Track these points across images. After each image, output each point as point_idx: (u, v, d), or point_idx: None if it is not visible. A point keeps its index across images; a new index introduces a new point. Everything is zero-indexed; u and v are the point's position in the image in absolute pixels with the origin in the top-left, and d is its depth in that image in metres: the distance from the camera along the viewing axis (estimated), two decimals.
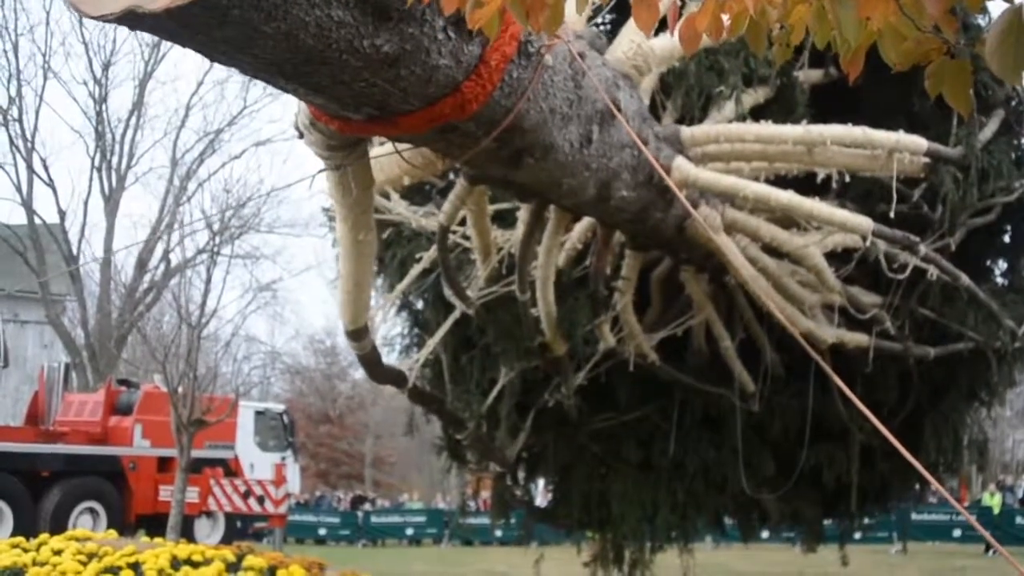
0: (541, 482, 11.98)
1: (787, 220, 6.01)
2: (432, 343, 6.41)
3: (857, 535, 10.91)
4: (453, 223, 4.61)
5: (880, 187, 7.29)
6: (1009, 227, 8.83)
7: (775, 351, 7.89)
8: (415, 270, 5.56)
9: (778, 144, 4.98)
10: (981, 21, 7.17)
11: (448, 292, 5.31)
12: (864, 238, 5.56)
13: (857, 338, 7.43)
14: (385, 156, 3.78)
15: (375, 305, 5.93)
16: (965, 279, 6.94)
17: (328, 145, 3.05)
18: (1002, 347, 8.49)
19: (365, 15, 2.34)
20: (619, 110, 3.63)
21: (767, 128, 5.14)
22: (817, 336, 6.85)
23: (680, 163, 4.65)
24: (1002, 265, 9.40)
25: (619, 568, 9.84)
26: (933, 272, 6.57)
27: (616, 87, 3.68)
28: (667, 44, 4.30)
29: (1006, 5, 1.84)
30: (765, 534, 11.75)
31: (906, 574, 15.13)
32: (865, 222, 5.53)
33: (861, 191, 7.16)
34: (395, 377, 6.13)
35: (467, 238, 5.51)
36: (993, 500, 23.52)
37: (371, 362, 5.12)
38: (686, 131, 4.92)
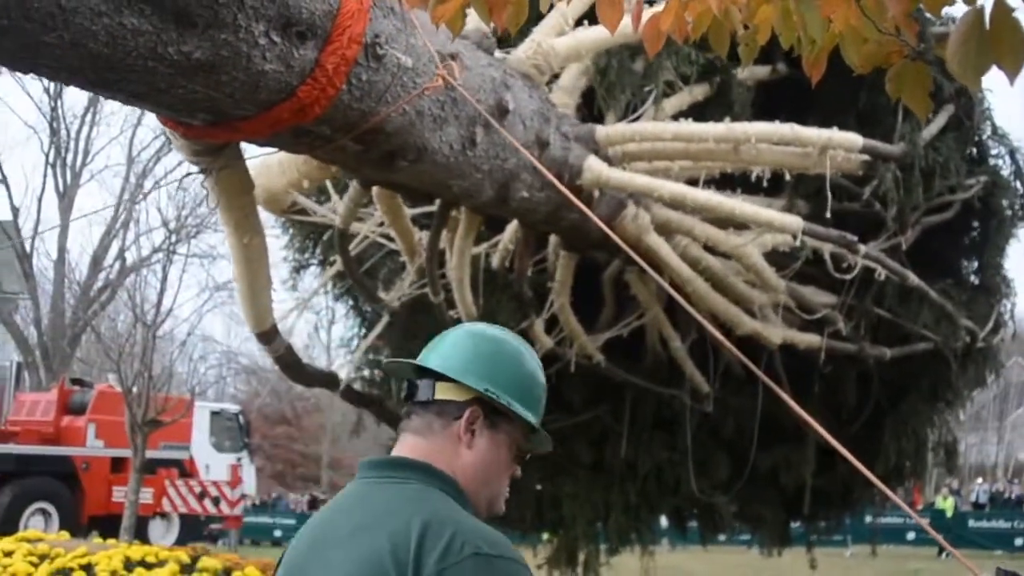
0: None
1: (729, 220, 6.03)
2: (364, 344, 6.37)
3: (812, 537, 10.97)
4: (349, 225, 4.59)
5: (832, 185, 7.34)
6: (976, 223, 8.86)
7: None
8: (329, 272, 5.53)
9: (699, 143, 4.98)
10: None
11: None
12: (794, 237, 5.57)
13: (808, 339, 7.46)
14: (286, 159, 3.78)
15: (293, 306, 5.90)
16: (913, 278, 6.97)
17: (193, 150, 3.04)
18: (961, 347, 8.55)
19: (165, 22, 2.35)
20: (507, 111, 3.63)
21: (686, 126, 5.15)
22: (764, 337, 6.88)
23: (592, 163, 4.65)
24: (974, 264, 9.43)
25: (572, 570, 9.85)
26: (881, 272, 6.60)
27: (505, 88, 3.67)
28: (570, 43, 4.30)
29: (967, 8, 1.86)
30: (722, 536, 11.82)
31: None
32: (794, 221, 5.53)
33: (812, 189, 7.20)
34: (322, 379, 6.13)
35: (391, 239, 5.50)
36: (946, 503, 23.86)
37: (288, 364, 5.09)
38: (601, 130, 4.91)
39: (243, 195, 3.32)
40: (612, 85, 5.51)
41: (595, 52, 4.80)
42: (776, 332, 7.04)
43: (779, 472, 9.16)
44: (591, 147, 4.74)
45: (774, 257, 6.67)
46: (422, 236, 5.44)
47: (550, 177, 3.09)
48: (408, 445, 1.74)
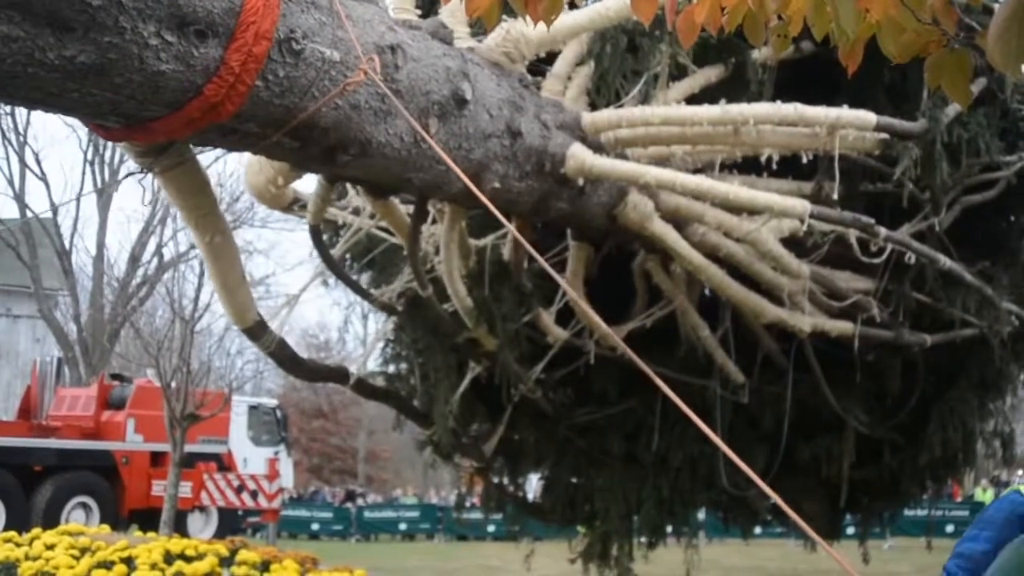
0: (534, 477, 12.03)
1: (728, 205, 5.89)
2: (374, 340, 6.40)
3: (850, 530, 10.82)
4: (319, 221, 4.61)
5: (862, 166, 7.19)
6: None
7: (775, 340, 7.77)
8: (317, 271, 5.56)
9: (693, 126, 4.91)
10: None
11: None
12: (801, 221, 5.47)
13: (840, 326, 7.31)
14: (263, 158, 3.82)
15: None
16: (944, 261, 6.80)
17: (136, 151, 3.09)
18: (1009, 332, 8.32)
19: (39, 28, 2.37)
20: (465, 101, 3.61)
21: (676, 110, 5.08)
22: (792, 325, 6.78)
23: (575, 150, 4.61)
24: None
25: (606, 564, 9.84)
26: (910, 256, 6.45)
27: (463, 77, 3.65)
28: (542, 29, 4.24)
29: None
30: (758, 530, 11.72)
31: (899, 569, 15.04)
32: (799, 205, 5.41)
33: (840, 170, 7.03)
34: (329, 373, 6.18)
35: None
36: (986, 495, 23.31)
37: (283, 360, 5.12)
38: (587, 117, 4.86)
39: (198, 194, 3.37)
40: (606, 71, 5.45)
41: (570, 37, 4.76)
42: (805, 320, 6.92)
43: (820, 464, 9.03)
44: (577, 135, 4.70)
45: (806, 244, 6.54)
46: (422, 230, 5.46)
47: (444, 157, 3.06)
48: None
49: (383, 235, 6.00)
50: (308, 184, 4.63)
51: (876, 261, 6.47)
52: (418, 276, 5.09)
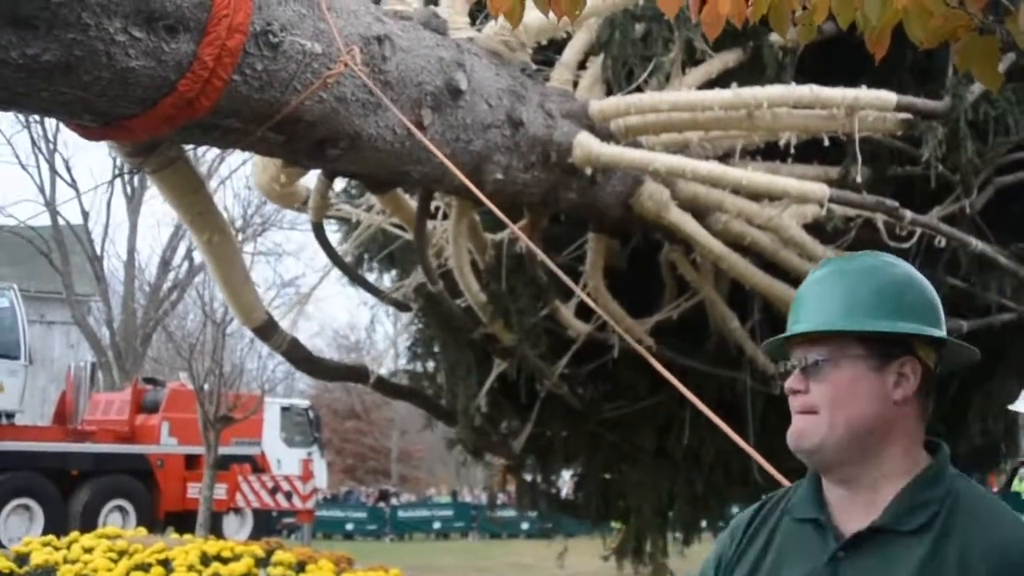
0: (567, 473, 11.99)
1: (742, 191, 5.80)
2: (396, 337, 6.41)
3: None
4: (321, 218, 4.60)
5: (889, 149, 7.06)
6: None
7: None
8: (328, 269, 5.56)
9: (704, 111, 4.83)
10: None
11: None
12: (820, 205, 5.37)
13: None
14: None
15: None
16: (976, 244, 6.66)
17: (125, 151, 3.09)
18: None
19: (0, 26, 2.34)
20: (459, 92, 3.57)
21: (686, 95, 4.99)
22: None
23: (582, 139, 4.55)
24: None
25: (640, 560, 9.78)
26: (940, 239, 6.33)
27: (457, 67, 3.61)
28: (541, 15, 4.17)
29: None
30: None
31: None
32: (819, 189, 5.31)
33: (866, 153, 6.93)
34: (347, 372, 6.17)
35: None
36: (1022, 486, 22.77)
37: (298, 360, 5.12)
38: (594, 105, 4.79)
39: (192, 193, 3.37)
40: (615, 58, 5.38)
41: (575, 23, 4.70)
42: None
43: None
44: (584, 123, 4.65)
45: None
46: (435, 225, 5.45)
47: (434, 151, 3.02)
48: None
49: (398, 232, 6.01)
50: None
51: (905, 246, 6.35)
52: (427, 271, 5.07)
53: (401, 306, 6.09)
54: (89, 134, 2.86)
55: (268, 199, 4.55)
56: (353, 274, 5.33)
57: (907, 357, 1.54)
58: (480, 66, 3.87)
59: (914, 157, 6.98)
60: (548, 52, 5.26)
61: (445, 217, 5.39)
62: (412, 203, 4.86)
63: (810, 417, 1.56)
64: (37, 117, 24.89)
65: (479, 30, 4.22)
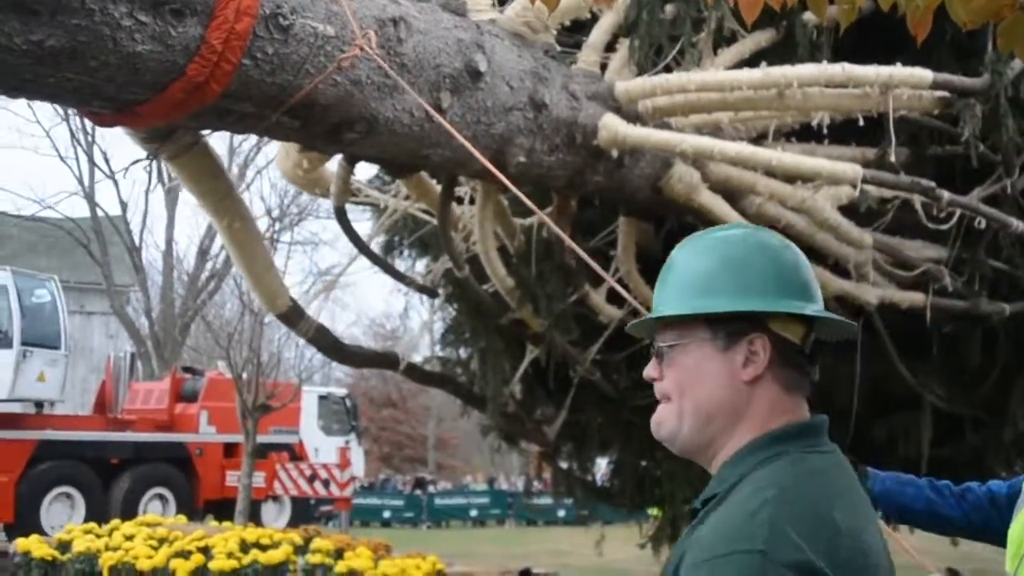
0: (603, 461, 11.97)
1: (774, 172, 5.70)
2: (423, 326, 6.39)
3: None
4: (343, 203, 4.58)
5: (928, 128, 6.93)
6: None
7: (845, 313, 7.57)
8: (352, 256, 5.54)
9: (733, 91, 4.75)
10: None
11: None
12: (854, 186, 5.27)
13: (910, 297, 7.08)
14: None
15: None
16: (1018, 224, 6.51)
17: (140, 137, 3.09)
18: None
19: (2, 12, 2.34)
20: (480, 74, 3.53)
21: (714, 75, 4.91)
22: (857, 297, 6.58)
23: (607, 121, 4.48)
24: None
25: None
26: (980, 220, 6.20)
27: (477, 49, 3.57)
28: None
29: None
30: None
31: (972, 547, 14.57)
32: (851, 169, 5.19)
33: (905, 134, 6.80)
34: (377, 359, 6.16)
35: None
36: None
37: (325, 347, 5.12)
38: (620, 86, 4.72)
39: (211, 179, 3.37)
40: (643, 39, 5.31)
41: (594, 4, 4.64)
42: (872, 291, 6.71)
43: (897, 442, 8.78)
44: (610, 105, 4.59)
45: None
46: (463, 210, 5.44)
47: (454, 133, 2.99)
48: None
49: (427, 217, 6.00)
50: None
51: (944, 227, 6.23)
52: (452, 256, 5.05)
53: (428, 292, 6.07)
54: (101, 121, 2.87)
55: (293, 184, 4.56)
56: (378, 259, 5.33)
57: (755, 334, 1.43)
58: (501, 48, 3.83)
59: (954, 137, 6.85)
60: (572, 34, 5.21)
61: (472, 202, 5.38)
62: (438, 188, 4.87)
63: (665, 405, 1.51)
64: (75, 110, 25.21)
65: (501, 11, 4.19)
